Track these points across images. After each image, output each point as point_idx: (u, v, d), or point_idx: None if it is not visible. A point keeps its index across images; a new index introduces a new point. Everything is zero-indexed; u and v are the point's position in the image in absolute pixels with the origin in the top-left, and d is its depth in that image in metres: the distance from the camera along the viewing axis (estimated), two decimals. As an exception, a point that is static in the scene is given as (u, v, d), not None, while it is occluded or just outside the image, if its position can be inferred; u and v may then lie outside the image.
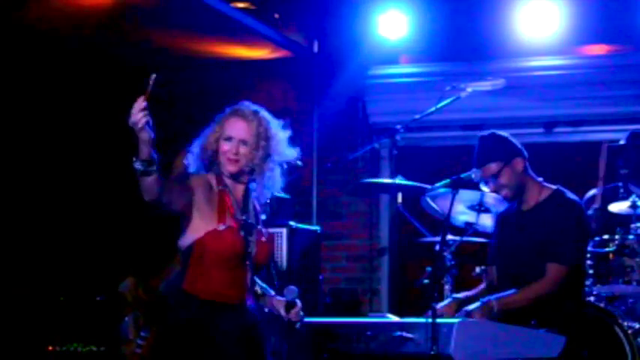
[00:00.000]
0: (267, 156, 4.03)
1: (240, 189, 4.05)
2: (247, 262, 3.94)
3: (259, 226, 4.09)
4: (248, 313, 3.97)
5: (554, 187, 5.10)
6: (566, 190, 5.09)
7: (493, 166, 5.01)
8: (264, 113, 4.08)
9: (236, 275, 3.94)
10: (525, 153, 5.09)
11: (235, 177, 4.03)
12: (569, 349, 4.66)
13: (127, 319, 6.53)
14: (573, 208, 4.99)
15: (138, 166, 3.70)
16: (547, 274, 4.85)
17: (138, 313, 6.50)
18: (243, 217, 3.98)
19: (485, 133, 5.16)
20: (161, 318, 4.03)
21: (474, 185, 5.08)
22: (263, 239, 4.05)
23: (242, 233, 3.93)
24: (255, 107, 4.09)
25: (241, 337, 3.91)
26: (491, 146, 5.06)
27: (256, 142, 3.99)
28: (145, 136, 3.65)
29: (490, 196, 5.14)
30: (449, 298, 5.11)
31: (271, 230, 6.25)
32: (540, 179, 5.13)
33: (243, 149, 3.98)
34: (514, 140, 5.11)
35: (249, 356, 3.93)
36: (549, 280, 4.85)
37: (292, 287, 4.06)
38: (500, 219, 5.24)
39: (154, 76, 3.65)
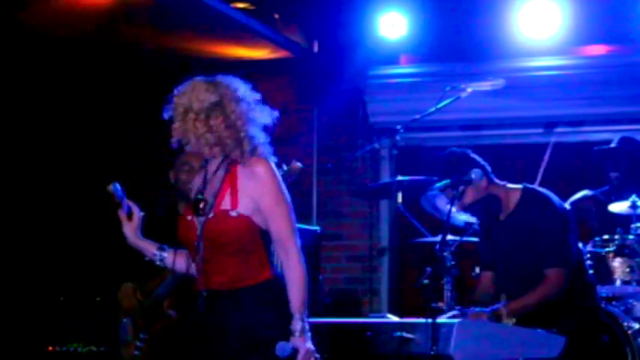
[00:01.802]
0: (200, 117, 3.71)
1: (212, 165, 3.80)
2: (198, 244, 3.73)
3: (219, 200, 3.74)
4: (212, 300, 3.74)
5: (519, 186, 5.07)
6: (533, 187, 5.05)
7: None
8: (190, 83, 3.87)
9: (197, 261, 3.76)
10: (488, 167, 5.04)
11: (206, 156, 3.78)
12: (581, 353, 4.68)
13: (125, 321, 6.52)
14: (550, 206, 4.95)
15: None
16: (548, 279, 4.84)
17: (136, 316, 6.50)
18: (192, 197, 3.78)
19: (445, 152, 5.10)
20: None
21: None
22: (211, 215, 3.72)
23: (189, 217, 3.76)
24: (185, 83, 3.89)
25: (202, 323, 3.76)
26: (450, 168, 4.99)
27: (185, 114, 3.74)
28: (136, 245, 3.97)
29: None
30: (454, 311, 5.07)
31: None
32: (504, 183, 5.08)
33: (176, 126, 3.75)
34: (473, 155, 5.06)
35: (207, 343, 3.75)
36: (551, 284, 4.83)
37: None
38: (484, 228, 5.23)
39: (111, 187, 3.87)
